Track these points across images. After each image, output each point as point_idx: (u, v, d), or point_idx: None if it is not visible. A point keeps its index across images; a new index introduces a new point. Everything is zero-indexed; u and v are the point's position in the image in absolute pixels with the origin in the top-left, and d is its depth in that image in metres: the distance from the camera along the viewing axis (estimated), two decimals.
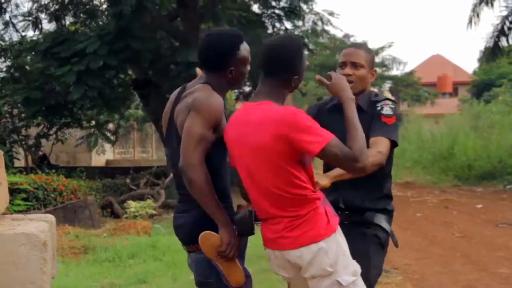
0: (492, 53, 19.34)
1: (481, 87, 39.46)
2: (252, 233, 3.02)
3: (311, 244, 2.80)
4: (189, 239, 3.06)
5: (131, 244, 8.25)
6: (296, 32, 17.51)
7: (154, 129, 24.87)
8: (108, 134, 19.69)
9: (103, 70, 14.82)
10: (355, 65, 3.43)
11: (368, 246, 3.32)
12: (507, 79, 34.58)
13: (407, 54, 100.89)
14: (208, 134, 2.94)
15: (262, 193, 2.89)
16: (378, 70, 47.46)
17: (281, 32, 16.85)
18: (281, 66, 2.92)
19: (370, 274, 3.23)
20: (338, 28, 50.38)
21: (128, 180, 16.60)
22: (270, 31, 16.93)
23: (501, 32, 18.80)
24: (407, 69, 44.94)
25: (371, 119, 3.32)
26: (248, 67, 3.17)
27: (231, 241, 2.90)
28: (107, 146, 22.17)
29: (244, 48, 3.10)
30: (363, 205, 3.38)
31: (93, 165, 23.70)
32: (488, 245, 9.01)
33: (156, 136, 27.28)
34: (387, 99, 3.49)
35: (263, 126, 2.81)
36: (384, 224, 3.44)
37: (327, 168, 3.35)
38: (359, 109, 3.16)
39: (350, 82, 3.26)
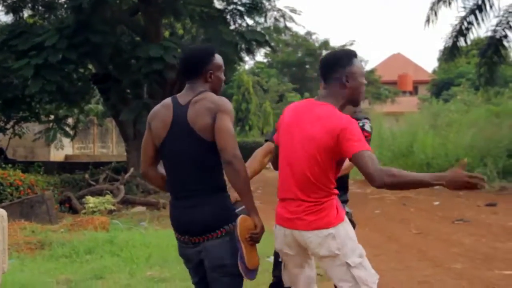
0: (450, 52, 19.61)
1: (441, 86, 40.08)
2: None
3: (322, 229, 3.26)
4: (208, 229, 3.36)
5: (89, 239, 8.15)
6: (258, 29, 17.49)
7: (114, 124, 24.66)
8: (67, 129, 19.46)
9: (62, 64, 14.67)
10: None
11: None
12: (466, 79, 35.18)
13: (368, 53, 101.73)
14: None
15: (296, 175, 3.34)
16: None
17: (243, 29, 16.85)
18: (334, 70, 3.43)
19: None
20: (300, 25, 50.35)
21: (87, 175, 16.42)
22: (232, 27, 16.91)
23: (459, 33, 19.08)
24: (368, 67, 45.34)
25: None
26: (223, 76, 3.59)
27: (263, 226, 3.31)
28: (66, 141, 21.93)
29: (219, 57, 3.55)
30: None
31: (52, 160, 23.40)
32: (443, 242, 9.14)
33: (116, 132, 27.03)
34: (366, 118, 4.14)
35: (321, 121, 3.29)
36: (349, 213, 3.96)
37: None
38: None
39: None
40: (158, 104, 3.59)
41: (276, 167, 3.59)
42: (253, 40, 16.29)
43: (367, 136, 3.92)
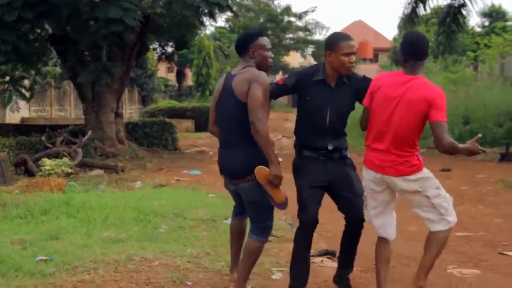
0: (410, 19, 19.69)
1: None
2: None
3: (409, 175, 4.38)
4: (239, 173, 4.44)
5: (44, 200, 8.06)
6: None
7: (72, 87, 24.26)
8: (23, 91, 19.04)
9: (17, 24, 14.32)
10: (354, 54, 4.67)
11: (353, 171, 4.94)
12: None
13: (330, 19, 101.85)
14: (264, 99, 4.31)
15: (391, 132, 4.36)
16: (301, 34, 47.74)
17: None
18: (425, 52, 4.39)
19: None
20: None
21: (43, 138, 16.18)
22: None
23: None
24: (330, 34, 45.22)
25: (355, 90, 4.76)
26: (269, 53, 4.62)
27: (278, 174, 4.29)
28: (22, 103, 21.48)
29: (264, 39, 4.61)
30: (341, 146, 4.90)
31: (7, 123, 22.98)
32: (398, 205, 9.18)
33: (74, 94, 26.61)
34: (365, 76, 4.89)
35: (420, 90, 4.26)
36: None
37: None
38: (344, 83, 4.75)
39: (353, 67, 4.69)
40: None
41: (364, 127, 4.66)
42: (215, 3, 16.08)
43: None
